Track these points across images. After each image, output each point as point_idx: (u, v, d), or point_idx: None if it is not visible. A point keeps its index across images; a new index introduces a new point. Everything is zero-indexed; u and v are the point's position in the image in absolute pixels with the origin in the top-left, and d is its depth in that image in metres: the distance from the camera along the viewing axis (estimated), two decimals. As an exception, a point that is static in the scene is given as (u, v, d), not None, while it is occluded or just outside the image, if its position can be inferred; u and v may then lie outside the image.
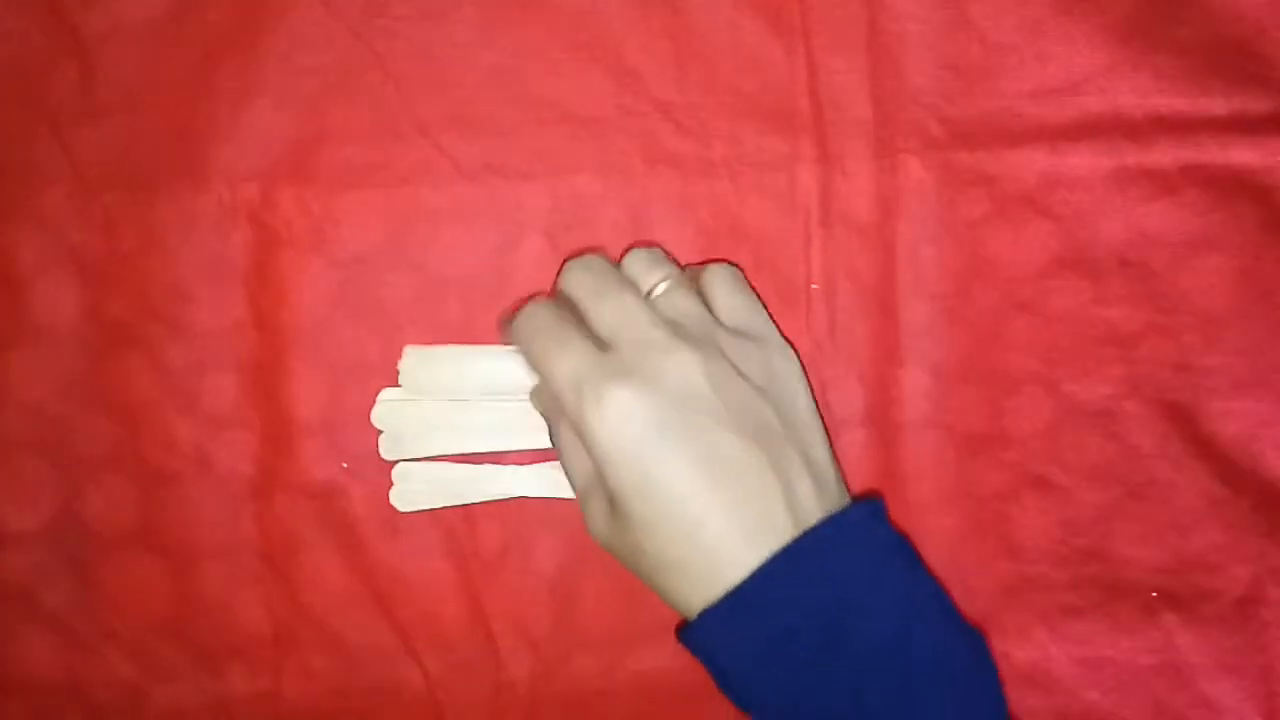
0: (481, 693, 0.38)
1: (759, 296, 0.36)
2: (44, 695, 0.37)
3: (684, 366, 0.31)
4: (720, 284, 0.35)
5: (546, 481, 0.37)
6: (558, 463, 0.35)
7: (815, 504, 0.31)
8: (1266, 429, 0.37)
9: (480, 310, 0.38)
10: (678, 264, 0.36)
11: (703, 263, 0.36)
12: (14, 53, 0.37)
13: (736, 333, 0.33)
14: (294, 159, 0.37)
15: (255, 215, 0.37)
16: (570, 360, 0.32)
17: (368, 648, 0.37)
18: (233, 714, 0.37)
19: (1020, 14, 0.38)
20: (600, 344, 0.32)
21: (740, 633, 0.30)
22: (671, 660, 0.37)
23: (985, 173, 0.38)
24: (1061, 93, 0.38)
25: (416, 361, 0.36)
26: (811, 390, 0.34)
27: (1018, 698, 0.37)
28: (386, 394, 0.37)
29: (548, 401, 0.35)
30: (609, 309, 0.33)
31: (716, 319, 0.34)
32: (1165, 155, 0.37)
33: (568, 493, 0.35)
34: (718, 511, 0.30)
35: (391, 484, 0.37)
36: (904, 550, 0.32)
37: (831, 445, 0.34)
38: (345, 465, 0.37)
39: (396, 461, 0.37)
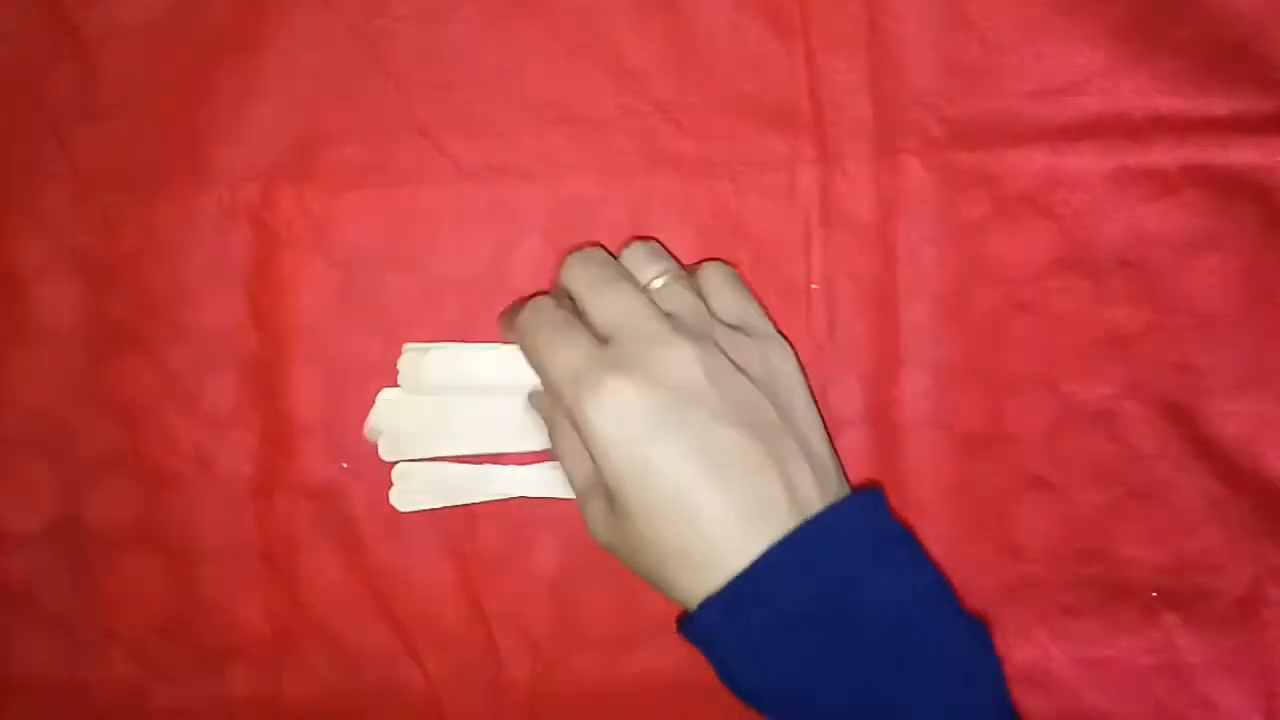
0: (481, 693, 0.38)
1: (756, 296, 0.36)
2: (44, 695, 0.37)
3: (681, 359, 0.31)
4: (717, 281, 0.35)
5: (546, 481, 0.37)
6: (558, 463, 0.35)
7: (815, 494, 0.31)
8: (1266, 429, 0.37)
9: (480, 310, 0.38)
10: (676, 260, 0.36)
11: (699, 262, 0.37)
12: (14, 53, 0.37)
13: (733, 328, 0.33)
14: (294, 159, 0.37)
15: (255, 215, 0.37)
16: (568, 353, 0.32)
17: (368, 648, 0.37)
18: (233, 714, 0.37)
19: (1020, 14, 0.38)
20: (599, 338, 0.32)
21: (741, 621, 0.30)
22: (671, 660, 0.37)
23: (985, 173, 0.38)
24: (1061, 93, 0.38)
25: (416, 359, 0.36)
26: (809, 384, 0.34)
27: (1018, 698, 0.37)
28: (386, 394, 0.37)
29: (546, 403, 0.35)
30: (608, 301, 0.33)
31: (713, 314, 0.34)
32: (1165, 155, 0.37)
33: (568, 493, 0.35)
34: (716, 499, 0.30)
35: (391, 484, 0.37)
36: (905, 539, 0.32)
37: (830, 438, 0.34)
38: (345, 465, 0.37)
39: (396, 462, 0.37)
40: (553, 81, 0.38)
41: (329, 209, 0.37)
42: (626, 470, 0.30)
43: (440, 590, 0.38)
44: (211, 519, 0.37)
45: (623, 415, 0.30)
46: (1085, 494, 0.38)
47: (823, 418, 0.34)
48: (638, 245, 0.35)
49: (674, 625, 0.32)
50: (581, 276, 0.34)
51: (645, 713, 0.38)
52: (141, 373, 0.37)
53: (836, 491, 0.32)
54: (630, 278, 0.34)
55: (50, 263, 0.37)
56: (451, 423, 0.37)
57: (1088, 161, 0.37)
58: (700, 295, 0.34)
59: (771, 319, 0.35)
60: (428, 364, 0.36)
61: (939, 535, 0.37)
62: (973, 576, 0.37)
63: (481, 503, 0.37)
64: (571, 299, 0.34)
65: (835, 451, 0.34)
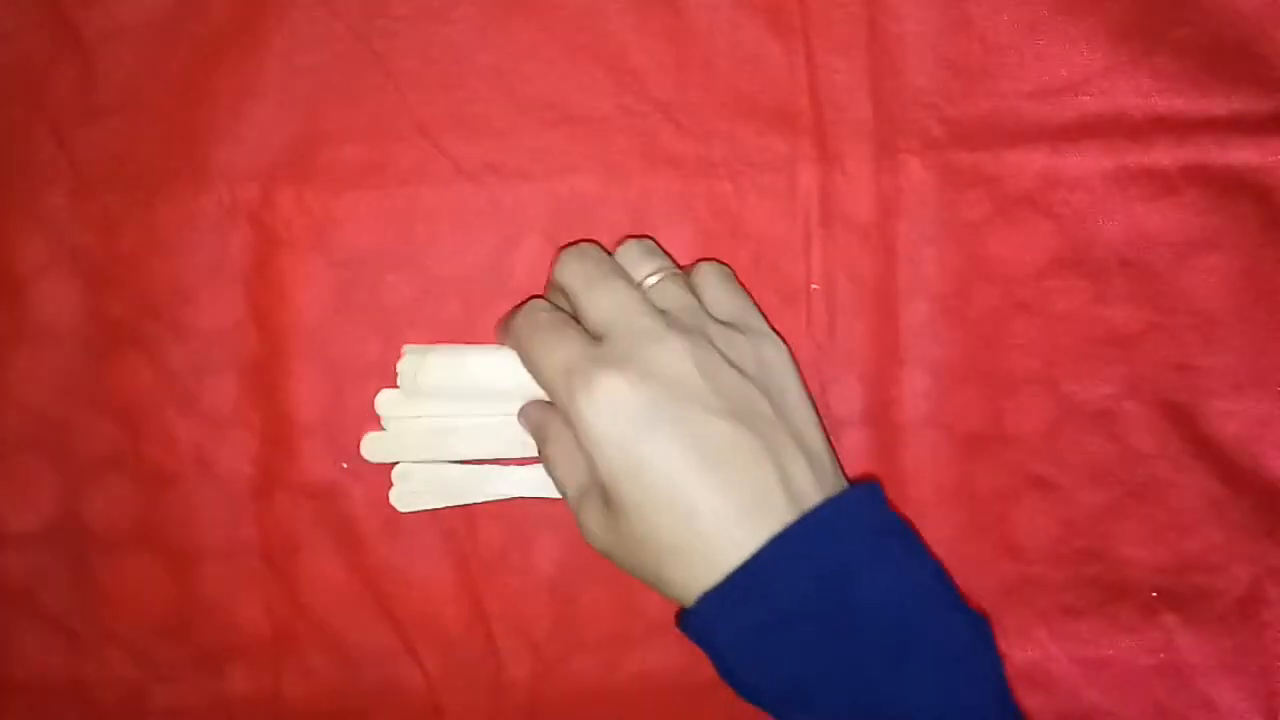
0: (481, 693, 0.38)
1: (756, 296, 0.36)
2: (44, 695, 0.37)
3: (674, 354, 0.31)
4: (711, 279, 0.35)
5: (546, 482, 0.37)
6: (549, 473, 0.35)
7: (812, 487, 0.31)
8: (1266, 429, 0.37)
9: (480, 310, 0.38)
10: (672, 259, 0.36)
11: (695, 262, 0.37)
12: (14, 53, 0.37)
13: (727, 324, 0.34)
14: (294, 159, 0.37)
15: (255, 215, 0.37)
16: (562, 351, 0.32)
17: (368, 648, 0.37)
18: (233, 714, 0.37)
19: (1020, 14, 0.38)
20: (593, 335, 0.32)
21: (739, 616, 0.30)
22: (671, 660, 0.37)
23: (985, 173, 0.38)
24: (1061, 93, 0.38)
25: (415, 362, 0.36)
26: (803, 380, 0.34)
27: (1018, 697, 0.37)
28: (385, 395, 0.37)
29: (535, 415, 0.35)
30: (602, 297, 0.33)
31: (708, 312, 0.34)
32: (1165, 155, 0.37)
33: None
34: (711, 493, 0.30)
35: (391, 484, 0.37)
36: (903, 532, 0.32)
37: (826, 432, 0.34)
38: (345, 465, 0.37)
39: (396, 462, 0.37)
40: (552, 81, 0.38)
41: (329, 209, 0.37)
42: (621, 467, 0.31)
43: (440, 590, 0.38)
44: (211, 519, 0.37)
45: (616, 411, 0.30)
46: (1085, 494, 0.38)
47: (819, 413, 0.34)
48: (632, 243, 0.35)
49: (673, 625, 0.32)
50: (576, 272, 0.34)
51: (645, 713, 0.38)
52: (141, 373, 0.37)
53: (834, 485, 0.32)
54: (624, 275, 0.34)
55: (50, 263, 0.37)
56: (444, 443, 0.37)
57: (1088, 161, 0.37)
58: (695, 293, 0.34)
59: (766, 317, 0.35)
60: (427, 366, 0.36)
61: (939, 535, 0.37)
62: (973, 576, 0.37)
63: (481, 503, 0.37)
64: (565, 295, 0.34)
65: (832, 446, 0.34)
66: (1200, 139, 0.37)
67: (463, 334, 0.38)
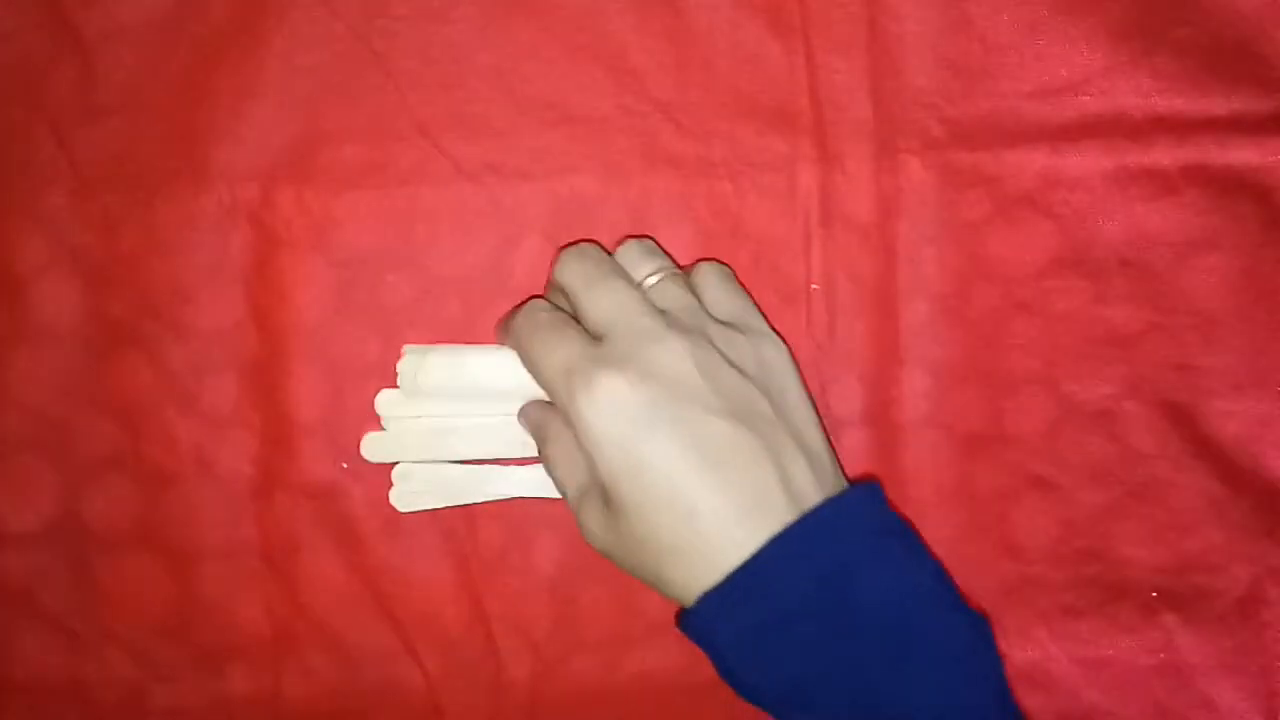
0: (481, 693, 0.38)
1: (756, 296, 0.36)
2: (44, 695, 0.37)
3: (673, 354, 0.31)
4: (711, 279, 0.35)
5: (546, 482, 0.37)
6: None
7: (812, 487, 0.31)
8: (1266, 429, 0.37)
9: (480, 310, 0.38)
10: (672, 259, 0.36)
11: (695, 262, 0.37)
12: (14, 53, 0.37)
13: (726, 324, 0.34)
14: (294, 159, 0.37)
15: (255, 215, 0.37)
16: (561, 351, 0.32)
17: (368, 648, 0.37)
18: (233, 714, 0.37)
19: (1020, 14, 0.38)
20: (593, 335, 0.32)
21: (739, 616, 0.30)
22: (671, 660, 0.37)
23: (985, 173, 0.38)
24: (1061, 93, 0.38)
25: (415, 362, 0.36)
26: (803, 380, 0.34)
27: (1018, 697, 0.37)
28: (385, 395, 0.37)
29: (535, 416, 0.35)
30: (601, 298, 0.33)
31: (708, 312, 0.34)
32: (1165, 155, 0.37)
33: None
34: (711, 492, 0.30)
35: (391, 484, 0.37)
36: (903, 531, 0.32)
37: (826, 432, 0.34)
38: (345, 465, 0.37)
39: (396, 462, 0.37)
40: (552, 81, 0.38)
41: (329, 209, 0.37)
42: (621, 467, 0.31)
43: (440, 590, 0.38)
44: (211, 519, 0.37)
45: (616, 411, 0.30)
46: (1085, 494, 0.38)
47: (819, 413, 0.34)
48: (632, 243, 0.35)
49: (673, 625, 0.32)
50: (576, 272, 0.34)
51: (645, 713, 0.38)
52: (141, 373, 0.37)
53: (834, 485, 0.32)
54: (624, 275, 0.34)
55: (50, 263, 0.37)
56: (451, 431, 0.37)
57: (1088, 161, 0.37)
58: (695, 293, 0.34)
59: (766, 317, 0.35)
60: (427, 366, 0.36)
61: (939, 535, 0.37)
62: (973, 576, 0.37)
63: (481, 503, 0.37)
64: (565, 295, 0.34)
65: (832, 446, 0.34)
66: (1200, 139, 0.37)
67: (463, 334, 0.38)
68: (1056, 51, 0.38)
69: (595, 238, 0.37)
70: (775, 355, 0.34)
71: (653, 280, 0.34)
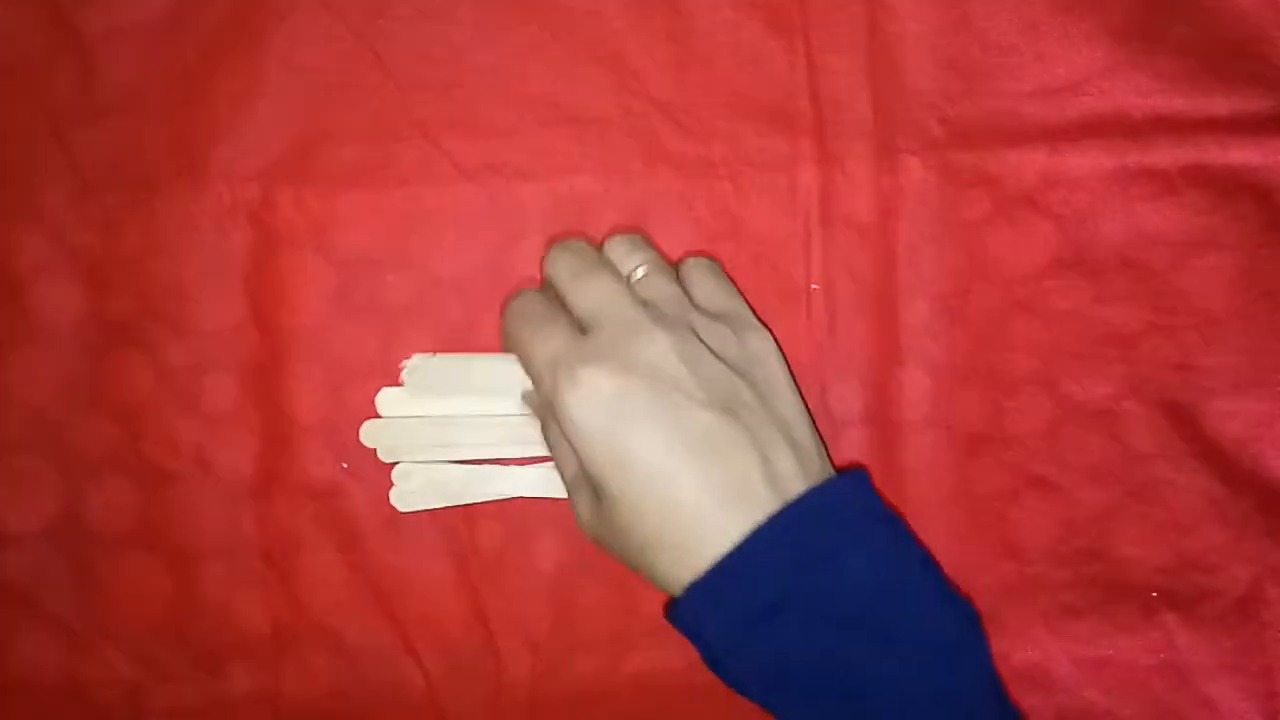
0: (481, 693, 0.38)
1: (756, 296, 0.36)
2: (44, 695, 0.37)
3: (658, 346, 0.31)
4: (698, 272, 0.35)
5: (546, 482, 0.37)
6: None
7: (796, 476, 0.31)
8: (1266, 429, 0.37)
9: (480, 310, 0.38)
10: (659, 252, 0.36)
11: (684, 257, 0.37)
12: (14, 53, 0.37)
13: (712, 316, 0.34)
14: (294, 159, 0.37)
15: (255, 215, 0.37)
16: (549, 344, 0.32)
17: (368, 648, 0.37)
18: (233, 714, 0.37)
19: (1020, 14, 0.38)
20: (581, 328, 0.33)
21: (725, 606, 0.30)
22: (671, 660, 0.37)
23: (985, 173, 0.38)
24: (1061, 93, 0.38)
25: (421, 364, 0.36)
26: (790, 370, 0.34)
27: (1017, 697, 0.37)
28: (385, 393, 0.37)
29: (536, 403, 0.35)
30: (588, 290, 0.33)
31: (695, 305, 0.34)
32: (1165, 155, 0.37)
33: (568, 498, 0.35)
34: (693, 484, 0.30)
35: (391, 484, 0.37)
36: (890, 519, 0.32)
37: (814, 422, 0.34)
38: (345, 465, 0.37)
39: (396, 462, 0.37)
40: (553, 81, 0.38)
41: (329, 209, 0.37)
42: (605, 460, 0.31)
43: (440, 590, 0.38)
44: (211, 519, 0.37)
45: (599, 405, 0.31)
46: (1085, 494, 0.38)
47: (806, 404, 0.34)
48: (620, 236, 0.36)
49: (669, 620, 0.32)
50: (563, 265, 0.34)
51: (645, 713, 0.38)
52: (141, 372, 0.37)
53: (820, 474, 0.32)
54: (611, 267, 0.34)
55: (50, 263, 0.37)
56: (451, 431, 0.37)
57: (1088, 161, 0.37)
58: (682, 286, 0.35)
59: (763, 318, 0.35)
60: (433, 368, 0.36)
61: (939, 535, 0.37)
62: (973, 576, 0.37)
63: (481, 503, 0.37)
64: (555, 288, 0.34)
65: (820, 436, 0.34)
66: (1200, 139, 0.37)
67: (462, 334, 0.38)
68: (1056, 51, 0.38)
69: (595, 238, 0.37)
70: (760, 345, 0.34)
71: (640, 273, 0.34)
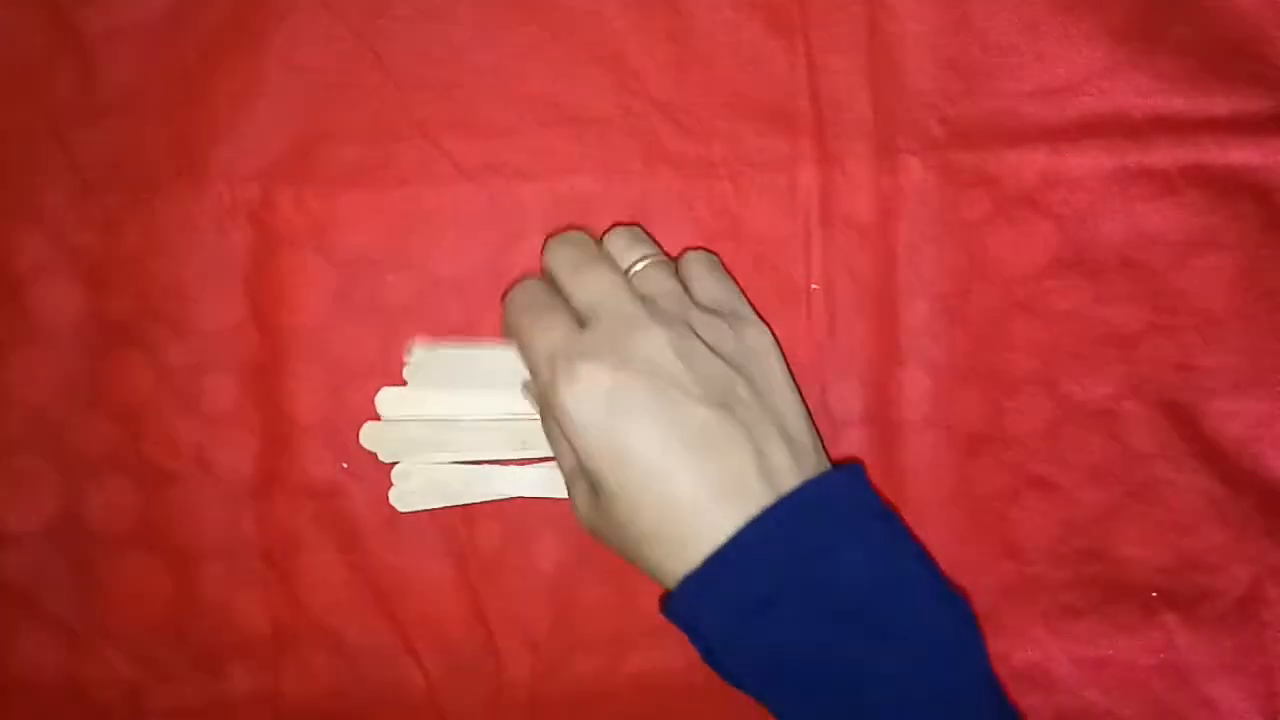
0: (482, 693, 0.38)
1: (756, 296, 0.36)
2: (44, 695, 0.37)
3: (655, 342, 0.31)
4: (697, 267, 0.35)
5: (545, 482, 0.37)
6: (556, 464, 0.35)
7: (790, 470, 0.31)
8: (1266, 429, 0.37)
9: (480, 310, 0.38)
10: (659, 246, 0.36)
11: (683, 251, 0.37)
12: (14, 53, 0.37)
13: (711, 311, 0.34)
14: (294, 159, 0.37)
15: (255, 215, 0.37)
16: (547, 337, 0.32)
17: (368, 648, 0.37)
18: (233, 714, 0.37)
19: (1020, 14, 0.38)
20: (580, 320, 0.33)
21: (720, 599, 0.30)
22: (671, 660, 0.37)
23: (985, 173, 0.38)
24: (1061, 93, 0.38)
25: (424, 354, 0.36)
26: (788, 365, 0.34)
27: (1017, 697, 0.37)
28: (385, 393, 0.37)
29: (536, 393, 0.35)
30: (586, 283, 0.33)
31: (694, 300, 0.34)
32: (1165, 155, 0.37)
33: (566, 493, 0.35)
34: (688, 478, 0.30)
35: (391, 484, 0.37)
36: (885, 513, 0.32)
37: (811, 417, 0.34)
38: (345, 465, 0.37)
39: (396, 462, 0.37)
40: (553, 81, 0.38)
41: (329, 209, 0.37)
42: (601, 454, 0.31)
43: (440, 590, 0.38)
44: (211, 519, 0.37)
45: (595, 401, 0.31)
46: (1085, 494, 0.38)
47: (804, 399, 0.34)
48: (619, 230, 0.36)
49: (667, 618, 0.32)
50: (562, 258, 0.34)
51: (645, 712, 0.38)
52: (141, 373, 0.37)
53: (814, 468, 0.32)
54: (610, 261, 0.34)
55: (49, 262, 0.37)
56: (451, 430, 0.37)
57: (1088, 161, 0.37)
58: (681, 280, 0.35)
59: (764, 316, 0.35)
60: (435, 358, 0.36)
61: (939, 535, 0.37)
62: (973, 576, 0.37)
63: (481, 503, 0.37)
64: (555, 281, 0.34)
65: (817, 431, 0.34)
66: (1200, 139, 0.37)
67: (463, 334, 0.38)
68: (1056, 51, 0.38)
69: (595, 234, 0.37)
70: (758, 340, 0.34)
71: (638, 267, 0.34)
